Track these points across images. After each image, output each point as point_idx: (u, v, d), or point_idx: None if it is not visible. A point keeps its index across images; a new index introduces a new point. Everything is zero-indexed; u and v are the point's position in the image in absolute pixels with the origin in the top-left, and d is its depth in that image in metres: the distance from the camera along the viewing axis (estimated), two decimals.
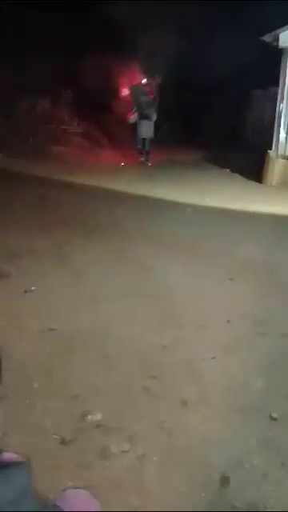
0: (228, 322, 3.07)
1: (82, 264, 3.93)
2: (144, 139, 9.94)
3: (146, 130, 9.87)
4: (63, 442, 1.92)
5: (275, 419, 2.14)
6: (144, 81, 11.32)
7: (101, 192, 7.05)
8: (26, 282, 3.47)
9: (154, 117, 10.01)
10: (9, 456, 1.11)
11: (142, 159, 9.91)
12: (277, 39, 8.12)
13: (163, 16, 10.32)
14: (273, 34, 8.18)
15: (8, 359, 0.86)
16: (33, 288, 3.38)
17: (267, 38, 8.31)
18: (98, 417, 2.07)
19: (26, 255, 4.04)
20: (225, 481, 1.78)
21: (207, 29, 10.50)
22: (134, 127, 10.00)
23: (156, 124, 10.06)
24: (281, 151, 8.52)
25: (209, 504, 1.68)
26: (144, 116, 9.91)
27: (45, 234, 4.60)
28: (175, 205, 6.44)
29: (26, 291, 3.33)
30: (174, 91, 12.18)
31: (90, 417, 2.06)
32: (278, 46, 8.17)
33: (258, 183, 8.36)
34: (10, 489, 0.68)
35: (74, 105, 11.41)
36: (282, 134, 8.55)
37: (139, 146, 9.98)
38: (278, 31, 8.10)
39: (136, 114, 9.99)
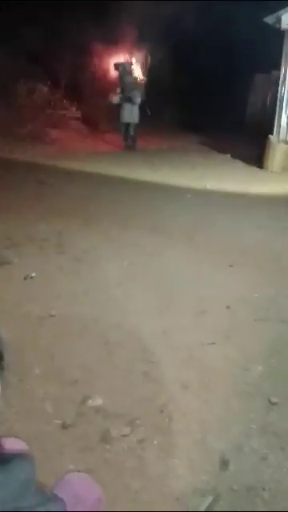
0: (228, 307, 3.08)
1: (82, 251, 3.92)
2: (127, 124, 9.42)
3: (128, 114, 9.31)
4: (64, 427, 1.93)
5: (275, 403, 2.15)
6: (133, 60, 10.92)
7: (99, 178, 6.99)
8: (26, 268, 3.46)
9: (138, 100, 9.38)
10: (10, 442, 1.12)
11: (129, 144, 9.46)
12: (279, 21, 7.96)
13: None
14: (275, 15, 8.02)
15: (8, 345, 0.86)
16: (33, 275, 3.37)
17: (269, 19, 8.15)
18: (98, 401, 2.08)
19: (26, 243, 4.02)
20: (224, 464, 1.81)
21: (207, 8, 10.24)
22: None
23: (141, 108, 9.48)
24: (282, 136, 8.43)
25: (209, 487, 1.70)
26: (127, 99, 9.33)
27: (44, 222, 4.58)
28: (175, 191, 6.40)
29: (26, 278, 3.33)
30: (172, 74, 11.96)
31: (90, 401, 2.08)
32: (280, 27, 8.02)
33: (259, 169, 8.29)
34: (13, 482, 0.68)
35: (73, 89, 11.24)
36: (284, 119, 8.45)
37: (122, 131, 9.51)
38: (280, 12, 7.94)
39: (119, 94, 9.46)
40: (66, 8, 9.95)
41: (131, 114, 9.42)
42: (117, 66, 10.30)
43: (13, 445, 1.10)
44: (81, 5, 10.01)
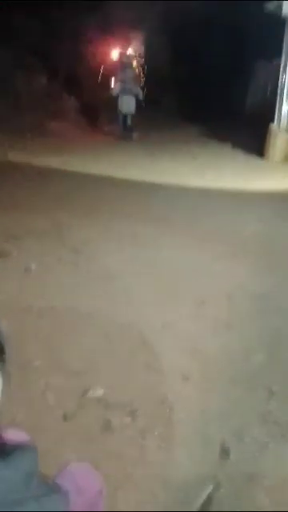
0: (228, 297, 3.08)
1: (82, 244, 3.91)
2: (125, 115, 9.62)
3: (126, 105, 9.55)
4: (66, 418, 1.95)
5: (275, 393, 2.16)
6: (132, 50, 10.93)
7: (99, 170, 6.95)
8: (26, 261, 3.46)
9: (140, 93, 9.69)
10: (12, 433, 1.12)
11: (127, 135, 9.60)
12: (280, 8, 7.84)
13: None
14: (276, 2, 7.90)
15: (9, 338, 0.86)
16: (33, 267, 3.37)
17: (270, 5, 8.02)
18: (99, 392, 2.09)
19: (26, 235, 4.01)
20: (225, 453, 1.82)
21: None
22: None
23: (137, 99, 9.68)
24: (283, 125, 8.35)
25: (209, 476, 1.71)
26: (127, 90, 9.56)
27: (44, 216, 4.55)
28: (175, 183, 6.36)
29: (26, 270, 3.33)
30: (171, 63, 11.83)
31: (91, 392, 2.09)
32: (281, 15, 7.90)
33: (259, 158, 8.23)
34: (16, 473, 0.68)
35: (71, 80, 11.12)
36: (285, 107, 8.37)
37: (120, 122, 9.69)
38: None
39: (119, 85, 9.63)
40: None
41: (129, 104, 9.59)
42: (122, 57, 10.32)
43: (15, 435, 1.11)
44: None
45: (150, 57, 11.56)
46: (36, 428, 1.79)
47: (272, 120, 8.45)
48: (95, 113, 10.74)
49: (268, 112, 8.72)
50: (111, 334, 2.59)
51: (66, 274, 3.32)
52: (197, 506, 1.59)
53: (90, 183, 6.07)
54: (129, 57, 10.43)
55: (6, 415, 1.77)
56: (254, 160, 8.20)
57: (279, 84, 8.43)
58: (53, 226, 4.28)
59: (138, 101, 9.72)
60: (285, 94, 8.36)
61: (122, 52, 10.75)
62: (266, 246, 4.08)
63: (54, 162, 6.94)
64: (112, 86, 9.90)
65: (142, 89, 9.87)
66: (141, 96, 9.75)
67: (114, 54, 10.75)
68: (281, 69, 8.38)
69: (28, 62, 10.32)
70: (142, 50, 11.62)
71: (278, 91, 8.44)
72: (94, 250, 3.80)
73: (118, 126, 9.84)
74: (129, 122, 9.67)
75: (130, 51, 10.95)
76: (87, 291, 3.08)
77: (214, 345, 2.54)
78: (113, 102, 9.80)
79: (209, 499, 1.62)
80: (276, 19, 8.02)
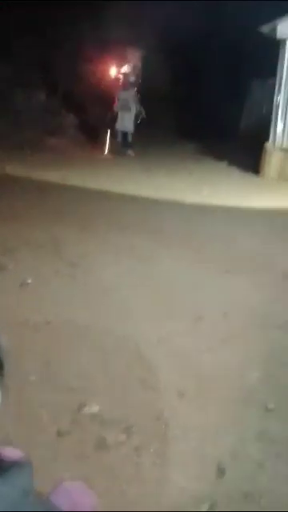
0: (225, 314, 3.08)
1: (78, 257, 3.91)
2: (125, 132, 9.82)
3: (125, 122, 9.75)
4: (60, 434, 1.92)
5: (271, 410, 2.15)
6: (129, 68, 11.17)
7: (96, 185, 7.01)
8: (22, 274, 3.46)
9: (135, 109, 9.85)
10: (9, 451, 1.11)
11: (125, 152, 9.79)
12: (275, 30, 8.05)
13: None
14: (271, 24, 8.12)
15: (8, 352, 0.86)
16: (29, 281, 3.36)
17: (265, 28, 8.24)
18: (94, 408, 2.07)
19: (22, 249, 4.02)
20: (221, 471, 1.80)
21: (203, 15, 10.31)
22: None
23: (137, 117, 9.89)
24: (278, 143, 8.49)
25: (205, 494, 1.69)
26: (126, 108, 9.77)
27: (41, 229, 4.56)
28: (171, 199, 6.41)
29: (22, 284, 3.32)
30: (169, 82, 12.05)
31: (86, 408, 2.07)
32: (275, 37, 8.11)
33: (255, 176, 8.33)
34: (11, 491, 0.68)
35: (70, 96, 11.29)
36: (280, 126, 8.52)
37: (119, 139, 9.87)
38: (275, 22, 8.03)
39: (119, 102, 9.84)
40: (63, 15, 10.03)
41: (128, 122, 9.79)
42: (122, 75, 10.58)
43: (11, 452, 1.10)
44: (78, 11, 10.11)
45: (148, 76, 11.79)
46: (30, 444, 1.77)
47: (267, 139, 8.59)
48: (94, 129, 10.89)
49: (263, 131, 8.88)
50: (107, 348, 2.58)
51: (63, 288, 3.32)
52: None
53: (87, 197, 6.11)
54: (129, 75, 10.65)
55: (0, 431, 1.76)
56: (249, 177, 8.30)
57: (274, 103, 8.60)
58: (50, 239, 4.29)
59: (137, 118, 9.91)
60: (279, 113, 8.53)
61: (121, 70, 10.98)
62: (260, 262, 4.10)
63: (52, 176, 6.99)
64: (115, 103, 10.12)
65: (139, 107, 10.06)
66: (143, 113, 9.93)
67: (113, 71, 10.97)
68: (275, 88, 8.56)
69: (27, 79, 10.47)
70: (140, 68, 11.87)
71: (273, 111, 8.61)
72: (91, 263, 3.80)
73: (117, 143, 10.00)
74: (129, 138, 9.86)
75: (130, 69, 11.18)
76: (84, 305, 3.08)
77: (210, 361, 2.53)
78: (112, 119, 9.98)
79: None
80: (271, 41, 8.23)
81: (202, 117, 11.75)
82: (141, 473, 1.77)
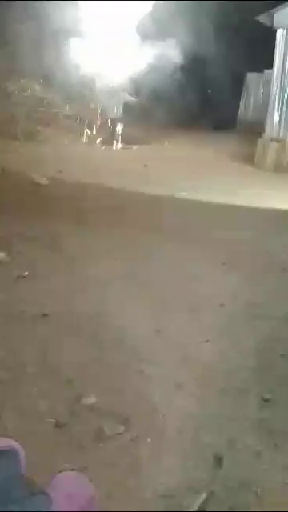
0: (221, 305, 3.09)
1: (75, 251, 3.90)
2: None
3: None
4: (58, 425, 1.93)
5: (268, 400, 2.17)
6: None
7: (93, 180, 6.96)
8: (19, 267, 3.44)
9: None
10: (1, 442, 1.11)
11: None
12: (271, 19, 8.00)
13: None
14: (268, 13, 8.05)
15: (1, 345, 0.85)
16: (25, 273, 3.35)
17: (262, 18, 8.18)
18: (92, 400, 2.08)
19: (19, 243, 3.99)
20: (218, 461, 1.81)
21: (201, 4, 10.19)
22: None
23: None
24: (274, 134, 8.47)
25: (202, 484, 1.70)
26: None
27: (37, 224, 4.52)
28: (167, 192, 6.38)
29: (18, 277, 3.31)
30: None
31: (84, 400, 2.07)
32: (272, 26, 8.05)
33: (251, 167, 8.32)
34: None
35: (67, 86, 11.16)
36: (276, 117, 8.49)
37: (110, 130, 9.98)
38: (272, 11, 7.97)
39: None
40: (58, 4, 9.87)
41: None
42: None
43: (2, 442, 1.10)
44: None
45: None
46: (28, 436, 1.77)
47: (263, 129, 8.56)
48: (89, 120, 10.80)
49: (259, 122, 8.84)
50: (104, 341, 2.57)
51: (60, 280, 3.31)
52: None
53: (86, 191, 6.07)
54: None
55: None
56: (245, 169, 8.28)
57: (270, 94, 8.56)
58: (47, 232, 4.27)
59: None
60: (276, 104, 8.49)
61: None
62: (255, 253, 4.11)
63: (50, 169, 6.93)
64: None
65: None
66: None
67: None
68: (272, 79, 8.51)
69: (22, 69, 10.33)
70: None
71: (269, 102, 8.57)
72: (88, 256, 3.79)
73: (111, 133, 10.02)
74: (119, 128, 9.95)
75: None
76: (80, 297, 3.07)
77: (207, 353, 2.54)
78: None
79: (202, 508, 1.61)
80: (268, 30, 8.17)
81: (200, 108, 11.68)
82: (138, 463, 1.78)
